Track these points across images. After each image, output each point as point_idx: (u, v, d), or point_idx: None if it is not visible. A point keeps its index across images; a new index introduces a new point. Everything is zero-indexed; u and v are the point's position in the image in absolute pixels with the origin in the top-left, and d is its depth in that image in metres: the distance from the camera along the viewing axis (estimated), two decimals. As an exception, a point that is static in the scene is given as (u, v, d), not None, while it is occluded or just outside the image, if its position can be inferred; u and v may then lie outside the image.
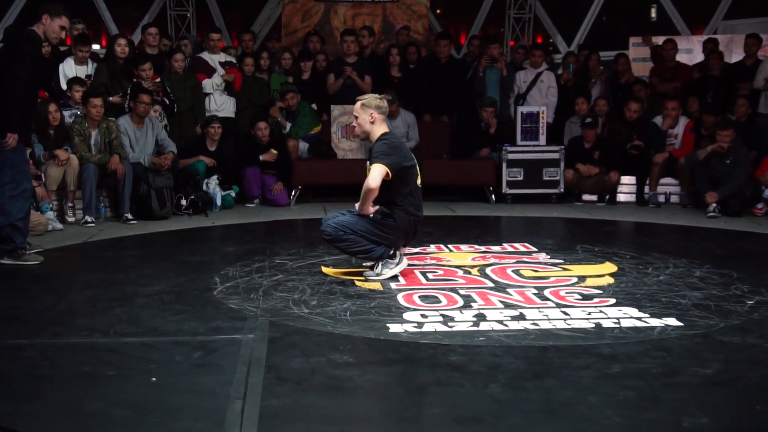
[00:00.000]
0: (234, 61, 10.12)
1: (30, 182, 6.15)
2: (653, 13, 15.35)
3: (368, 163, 5.50)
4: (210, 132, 9.15)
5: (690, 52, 12.07)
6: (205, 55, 9.96)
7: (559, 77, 10.72)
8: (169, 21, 13.56)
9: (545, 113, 9.91)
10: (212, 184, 8.95)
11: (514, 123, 10.09)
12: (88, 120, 8.19)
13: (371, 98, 5.51)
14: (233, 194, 9.24)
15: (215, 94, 9.74)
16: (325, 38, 11.54)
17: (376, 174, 5.25)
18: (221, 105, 9.77)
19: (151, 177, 8.31)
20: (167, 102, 9.18)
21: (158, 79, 9.13)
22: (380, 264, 5.42)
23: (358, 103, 5.48)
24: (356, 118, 5.49)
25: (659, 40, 11.55)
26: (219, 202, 8.93)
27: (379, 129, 5.46)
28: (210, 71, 9.78)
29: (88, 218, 7.91)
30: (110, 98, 8.79)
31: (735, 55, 11.60)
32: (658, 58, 11.12)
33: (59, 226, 7.66)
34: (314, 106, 10.20)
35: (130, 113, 8.53)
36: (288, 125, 9.91)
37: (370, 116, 5.42)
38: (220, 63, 9.89)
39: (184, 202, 8.60)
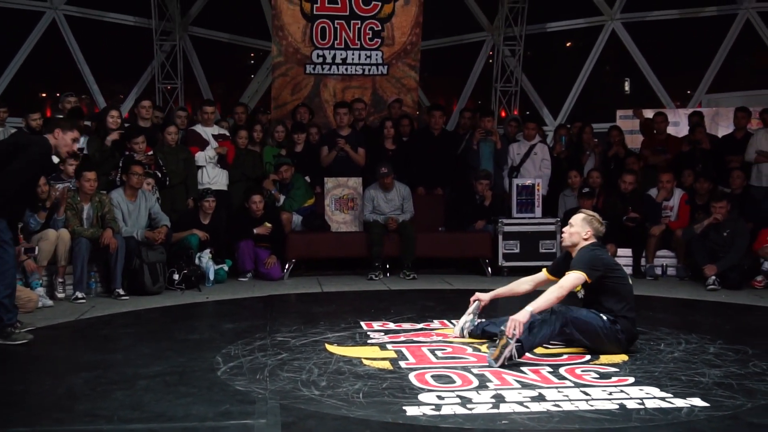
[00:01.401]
0: (227, 133, 10.07)
1: (12, 256, 5.95)
2: (627, 87, 15.62)
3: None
4: (204, 205, 9.04)
5: (677, 125, 12.22)
6: (198, 128, 9.91)
7: (552, 149, 10.75)
8: (158, 93, 13.59)
9: (540, 185, 9.91)
10: (205, 258, 8.80)
11: (508, 195, 10.09)
12: (80, 194, 8.07)
13: (596, 219, 5.61)
14: (226, 268, 9.09)
15: (208, 167, 9.66)
16: (314, 110, 11.57)
17: (572, 279, 5.30)
18: (214, 178, 9.68)
19: (143, 251, 8.16)
20: (159, 175, 9.08)
21: (151, 152, 9.05)
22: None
23: (581, 215, 5.62)
24: (571, 225, 5.60)
25: (649, 113, 11.68)
26: (212, 276, 8.77)
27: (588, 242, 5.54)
28: (203, 144, 9.72)
29: (79, 294, 7.72)
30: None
31: (721, 128, 11.77)
32: (648, 130, 11.21)
33: (49, 302, 7.47)
34: (307, 178, 10.14)
35: (123, 186, 8.41)
36: (282, 198, 9.83)
37: (586, 233, 5.52)
38: (213, 136, 9.84)
39: (176, 276, 8.43)
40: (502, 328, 4.95)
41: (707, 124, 11.68)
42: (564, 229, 5.70)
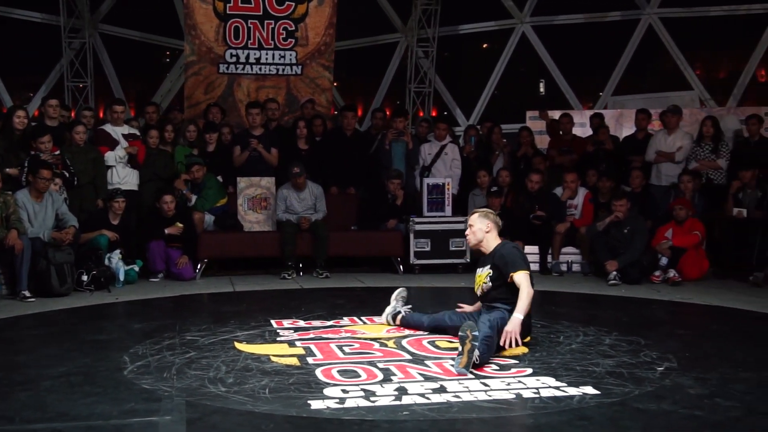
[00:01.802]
0: (137, 133, 9.96)
1: None
2: (542, 88, 16.04)
3: (484, 269, 5.67)
4: (114, 206, 8.93)
5: (584, 125, 12.59)
6: (108, 127, 9.77)
7: (462, 150, 10.97)
8: (67, 92, 13.32)
9: (450, 185, 10.11)
10: (115, 259, 8.70)
11: (419, 195, 10.26)
12: (-17, 194, 7.89)
13: (490, 213, 5.83)
14: (137, 269, 9.00)
15: (118, 167, 9.55)
16: (227, 110, 11.54)
17: (528, 279, 5.45)
18: (124, 178, 9.57)
19: (50, 252, 8.02)
20: (67, 175, 8.94)
21: (58, 152, 8.90)
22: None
23: (476, 214, 5.79)
24: (471, 226, 5.77)
25: (555, 114, 12.03)
26: (122, 277, 8.68)
27: (494, 240, 5.71)
28: (113, 143, 9.60)
29: (-17, 296, 7.56)
30: (7, 170, 8.50)
31: (625, 129, 12.20)
32: (554, 131, 11.55)
33: (-49, 305, 7.28)
34: (220, 178, 10.12)
35: (29, 187, 8.25)
36: (193, 198, 9.79)
37: (487, 226, 5.69)
38: (123, 135, 9.72)
39: (85, 277, 8.30)
40: (461, 333, 4.90)
41: (612, 125, 12.12)
42: (466, 232, 5.89)
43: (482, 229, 5.70)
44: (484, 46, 16.68)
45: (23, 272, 7.82)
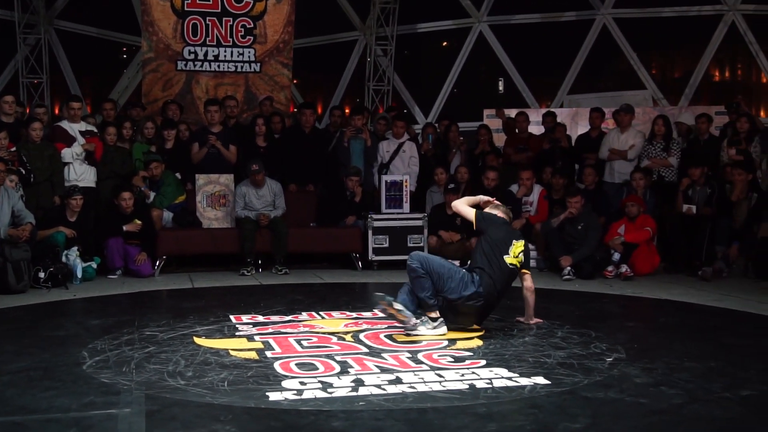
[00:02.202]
0: (95, 130, 9.92)
1: None
2: (501, 87, 16.24)
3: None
4: (71, 204, 8.90)
5: (539, 123, 12.78)
6: (65, 124, 9.73)
7: (420, 147, 11.09)
8: (22, 88, 13.21)
9: (408, 182, 10.22)
10: (72, 256, 8.67)
11: (378, 192, 10.36)
12: (-61, 191, 7.83)
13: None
14: (95, 266, 8.98)
15: (75, 164, 9.50)
16: (186, 107, 11.54)
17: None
18: (81, 174, 9.53)
19: (6, 249, 7.97)
20: (23, 172, 8.89)
21: (14, 149, 8.84)
22: (420, 320, 5.76)
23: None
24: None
25: (512, 112, 12.21)
26: (80, 274, 8.64)
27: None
28: (69, 140, 9.56)
29: (-62, 294, 7.49)
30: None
31: (580, 127, 12.42)
32: (510, 129, 11.72)
33: None
34: (178, 175, 10.12)
35: (-17, 184, 8.20)
36: (152, 195, 9.78)
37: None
38: (80, 132, 9.68)
39: (42, 274, 8.25)
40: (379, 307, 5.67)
41: (567, 123, 12.35)
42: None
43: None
44: (444, 44, 16.81)
45: (-23, 268, 7.76)
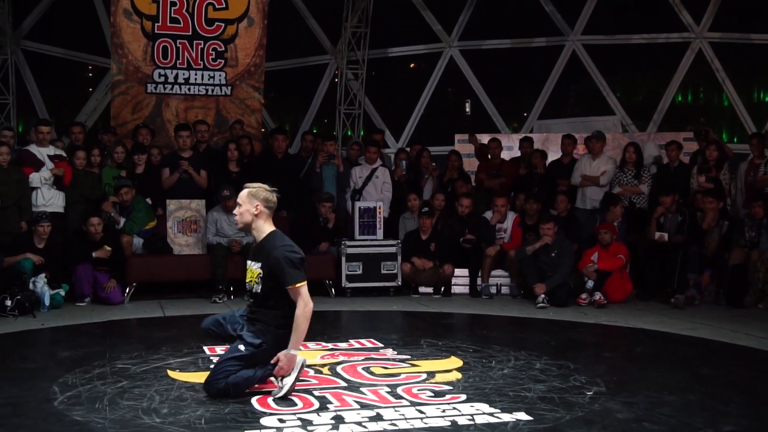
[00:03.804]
0: (63, 154, 9.77)
1: None
2: (468, 108, 16.29)
3: (256, 266, 5.00)
4: (39, 230, 8.74)
5: (511, 149, 12.83)
6: (33, 148, 9.58)
7: (393, 173, 11.06)
8: (-13, 110, 12.99)
9: (382, 208, 10.19)
10: (40, 283, 8.49)
11: (351, 218, 10.30)
12: None
13: (260, 189, 5.05)
14: (63, 293, 8.80)
15: (43, 189, 9.34)
16: (156, 130, 11.41)
17: (306, 295, 4.90)
18: (49, 200, 9.37)
19: (-28, 277, 7.80)
20: (-11, 197, 8.74)
21: (-20, 173, 8.68)
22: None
23: (245, 191, 5.03)
24: (239, 206, 5.02)
25: (483, 137, 12.25)
26: (47, 302, 8.46)
27: (266, 225, 5.03)
28: (38, 165, 9.40)
29: None
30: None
31: (551, 153, 12.47)
32: (482, 155, 11.74)
33: None
34: (149, 200, 9.99)
35: (-49, 209, 8.02)
36: (122, 220, 9.63)
37: (256, 208, 4.97)
38: (49, 156, 9.53)
39: (9, 302, 8.07)
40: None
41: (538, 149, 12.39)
42: (234, 212, 5.12)
43: (250, 211, 4.98)
44: (411, 65, 16.85)
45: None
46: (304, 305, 4.88)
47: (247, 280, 5.08)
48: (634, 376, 5.58)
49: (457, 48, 15.05)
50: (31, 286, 8.44)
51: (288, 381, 4.89)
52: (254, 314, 5.08)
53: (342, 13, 14.35)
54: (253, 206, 4.98)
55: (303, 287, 4.90)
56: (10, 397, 4.92)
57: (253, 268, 5.02)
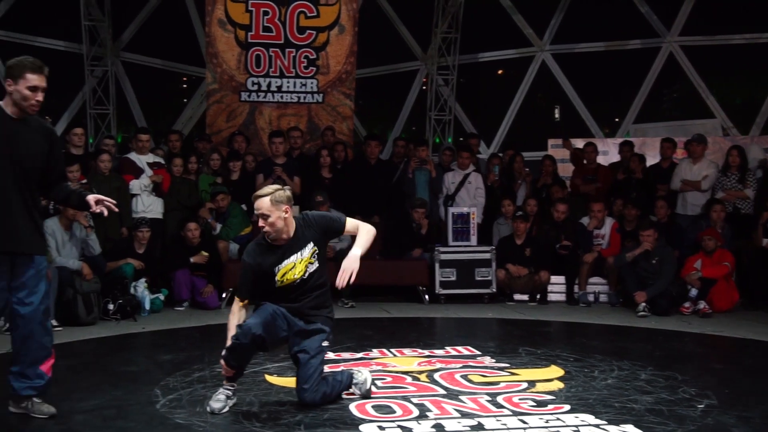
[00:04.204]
0: (162, 161, 9.99)
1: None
2: (557, 114, 15.99)
3: (304, 253, 4.82)
4: (139, 235, 8.94)
5: (606, 153, 12.54)
6: (133, 156, 9.82)
7: (486, 178, 10.93)
8: (89, 119, 13.38)
9: (475, 214, 10.06)
10: (140, 288, 8.68)
11: (444, 224, 10.21)
12: (11, 223, 7.88)
13: (276, 192, 4.74)
14: (162, 297, 8.98)
15: (143, 195, 9.56)
16: (249, 138, 11.56)
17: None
18: (149, 206, 9.58)
19: (77, 281, 8.01)
20: (93, 204, 8.94)
21: (85, 180, 8.91)
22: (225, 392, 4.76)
23: (266, 201, 4.68)
24: (266, 217, 4.69)
25: (577, 142, 11.99)
26: (147, 306, 8.65)
27: (291, 219, 4.81)
28: (137, 172, 9.63)
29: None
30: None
31: (649, 158, 12.11)
32: (578, 160, 11.48)
33: (-22, 334, 7.26)
34: (244, 206, 10.10)
35: (58, 216, 8.24)
36: (218, 226, 9.78)
37: (285, 211, 4.73)
38: (148, 164, 9.75)
39: (111, 306, 8.28)
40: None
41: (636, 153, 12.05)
42: (261, 224, 4.77)
43: (281, 216, 4.70)
44: (499, 72, 16.66)
45: (51, 301, 7.77)
46: (367, 225, 4.92)
47: (293, 276, 4.80)
48: (746, 389, 5.32)
49: (549, 52, 14.79)
50: (132, 290, 8.63)
51: (365, 378, 4.94)
52: (310, 304, 4.90)
53: (432, 18, 14.28)
54: (281, 211, 4.71)
55: (357, 223, 4.94)
56: (114, 399, 5.00)
57: (301, 257, 4.80)
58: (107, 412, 4.70)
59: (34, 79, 4.47)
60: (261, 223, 4.74)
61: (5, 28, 13.24)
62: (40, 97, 4.51)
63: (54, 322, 7.62)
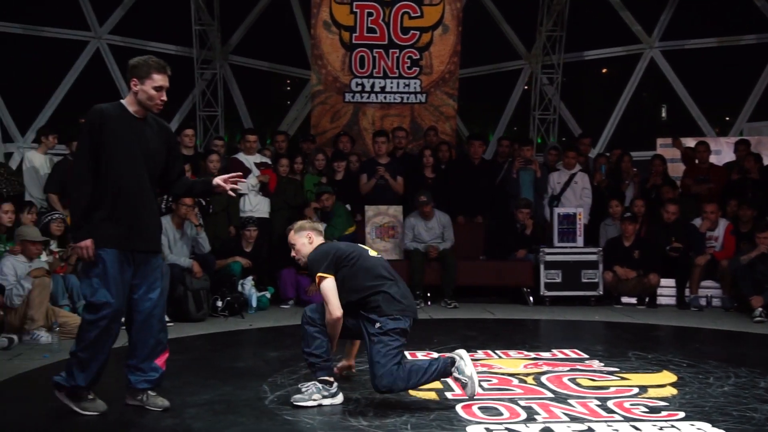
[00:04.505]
0: (269, 161, 10.18)
1: (108, 299, 4.56)
2: (663, 113, 15.53)
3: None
4: (246, 234, 9.14)
5: (719, 153, 12.11)
6: (241, 156, 10.05)
7: (593, 178, 10.70)
8: (198, 121, 13.75)
9: (582, 214, 9.86)
10: (248, 285, 8.88)
11: (549, 224, 10.06)
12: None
13: (299, 224, 5.28)
14: (268, 295, 9.16)
15: (250, 195, 9.76)
16: (354, 138, 11.65)
17: (328, 293, 4.89)
18: (256, 205, 9.79)
19: (188, 278, 8.25)
20: (203, 203, 9.19)
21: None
22: (315, 387, 4.86)
23: (290, 232, 5.24)
24: (293, 246, 5.18)
25: (687, 141, 11.61)
26: (254, 304, 8.84)
27: (317, 242, 5.19)
28: (245, 172, 9.82)
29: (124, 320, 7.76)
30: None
31: (764, 157, 11.63)
32: (689, 160, 11.12)
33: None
34: (348, 206, 10.19)
35: (171, 214, 8.50)
36: (323, 226, 9.85)
37: (308, 238, 5.14)
38: (255, 164, 9.96)
39: (220, 303, 8.50)
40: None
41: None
42: (292, 254, 5.25)
43: (305, 243, 5.12)
44: (604, 71, 16.28)
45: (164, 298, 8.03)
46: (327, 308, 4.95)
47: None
48: None
49: (658, 49, 14.37)
50: (239, 288, 8.83)
51: (471, 374, 4.80)
52: (364, 306, 4.98)
53: (537, 17, 14.09)
54: (304, 237, 5.13)
55: (323, 284, 4.95)
56: (224, 394, 5.11)
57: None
58: (218, 406, 4.80)
59: (159, 79, 4.62)
60: (292, 252, 5.23)
61: (121, 34, 13.75)
62: (164, 96, 4.67)
63: (165, 318, 7.91)
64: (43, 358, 6.36)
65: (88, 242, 4.53)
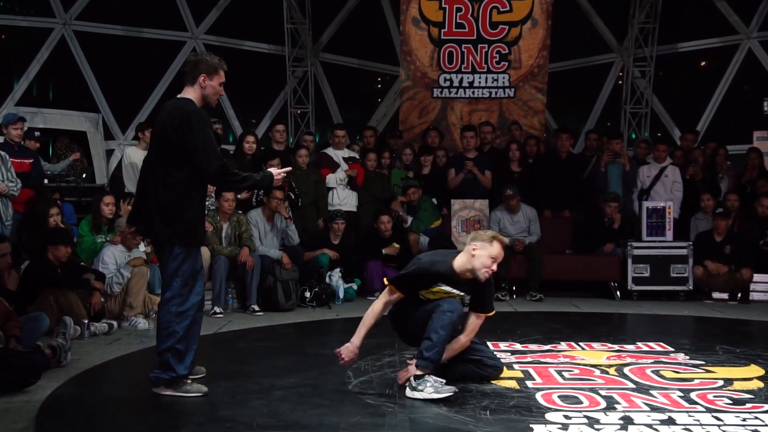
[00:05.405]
0: (357, 156, 10.37)
1: (200, 297, 4.90)
2: (766, 107, 15.06)
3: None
4: (334, 227, 9.34)
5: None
6: (330, 151, 10.27)
7: (685, 172, 10.51)
8: (290, 118, 14.05)
9: (671, 208, 9.70)
10: (335, 277, 9.07)
11: (638, 218, 9.93)
12: (219, 213, 8.49)
13: (473, 235, 5.18)
14: (355, 287, 9.35)
15: (338, 189, 9.97)
16: (442, 133, 11.73)
17: None
18: (344, 199, 9.98)
19: (277, 269, 8.50)
20: (293, 196, 9.44)
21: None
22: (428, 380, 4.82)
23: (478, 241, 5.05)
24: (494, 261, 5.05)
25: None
26: (341, 295, 9.03)
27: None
28: (334, 166, 10.05)
29: (217, 309, 8.09)
30: (239, 195, 9.07)
31: None
32: (786, 152, 10.82)
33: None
34: (434, 200, 10.29)
35: (262, 207, 8.78)
36: (409, 219, 10.02)
37: (473, 247, 5.07)
38: (344, 158, 10.16)
39: (308, 294, 8.73)
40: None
41: None
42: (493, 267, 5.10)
43: (469, 252, 5.05)
44: (702, 63, 15.87)
45: (253, 287, 8.33)
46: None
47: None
48: None
49: (757, 39, 13.95)
50: (327, 279, 9.04)
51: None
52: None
53: (629, 9, 13.86)
54: (470, 248, 5.06)
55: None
56: (310, 378, 5.28)
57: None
58: (303, 389, 4.97)
59: (223, 75, 4.95)
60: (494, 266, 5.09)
61: (216, 34, 14.18)
62: (223, 91, 5.01)
63: (256, 307, 8.21)
64: (140, 343, 6.67)
65: None
